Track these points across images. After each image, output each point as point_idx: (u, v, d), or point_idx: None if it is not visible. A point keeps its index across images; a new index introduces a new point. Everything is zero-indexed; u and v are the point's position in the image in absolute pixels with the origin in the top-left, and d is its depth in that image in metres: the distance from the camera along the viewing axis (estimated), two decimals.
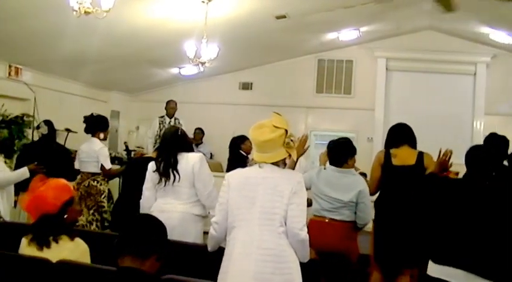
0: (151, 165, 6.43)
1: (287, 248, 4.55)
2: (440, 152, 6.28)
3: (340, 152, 7.13)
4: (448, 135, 14.25)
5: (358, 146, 13.85)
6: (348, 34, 14.49)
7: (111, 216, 8.86)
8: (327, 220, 6.83)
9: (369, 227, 7.23)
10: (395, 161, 7.13)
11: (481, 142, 13.87)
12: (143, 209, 6.37)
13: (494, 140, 7.76)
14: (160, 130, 13.08)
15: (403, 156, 7.14)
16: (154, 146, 12.83)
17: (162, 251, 3.77)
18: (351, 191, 6.86)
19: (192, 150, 6.70)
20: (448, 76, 15.34)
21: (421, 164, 7.02)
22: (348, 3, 11.80)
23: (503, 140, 7.77)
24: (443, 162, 6.22)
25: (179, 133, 6.49)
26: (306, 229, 4.61)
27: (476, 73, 15.28)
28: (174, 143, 6.40)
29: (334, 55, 15.78)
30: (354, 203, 6.86)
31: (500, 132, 8.02)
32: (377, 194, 7.41)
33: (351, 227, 6.95)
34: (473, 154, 5.49)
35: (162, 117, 13.32)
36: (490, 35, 14.17)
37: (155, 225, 3.88)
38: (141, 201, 6.47)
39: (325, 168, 7.23)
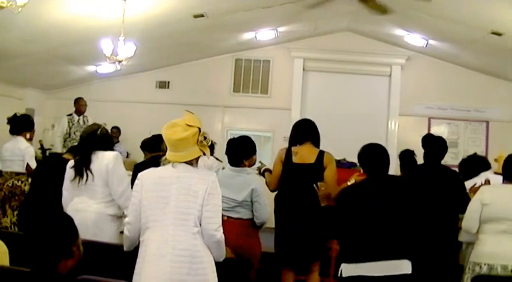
0: (71, 162, 6.37)
1: (202, 248, 4.56)
2: (317, 187, 6.39)
3: (236, 153, 7.17)
4: (364, 135, 14.30)
5: (274, 145, 14.02)
6: (265, 34, 14.55)
7: (19, 216, 8.64)
8: (225, 218, 6.83)
9: None
10: (295, 159, 7.28)
11: (395, 142, 14.18)
12: (65, 209, 6.24)
13: (432, 140, 7.86)
14: (70, 128, 12.91)
15: (304, 155, 7.31)
16: (63, 145, 12.68)
17: (67, 250, 3.72)
18: (244, 190, 6.92)
19: (111, 150, 6.63)
20: (364, 77, 15.55)
21: (321, 163, 7.19)
22: (266, 4, 11.85)
23: (441, 140, 7.88)
24: (325, 195, 6.29)
25: (98, 133, 6.41)
26: (221, 230, 4.65)
27: (391, 74, 15.51)
28: (90, 142, 6.33)
29: (252, 55, 15.81)
30: (248, 202, 6.92)
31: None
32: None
33: (249, 224, 7.02)
34: (367, 153, 5.70)
35: (71, 115, 13.08)
36: (404, 38, 14.45)
37: (58, 224, 3.82)
38: (62, 200, 6.38)
39: (223, 168, 7.28)
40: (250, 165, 7.27)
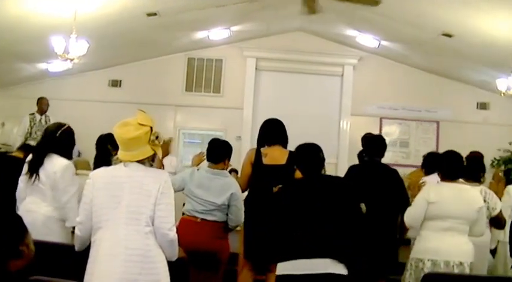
0: (29, 157, 6.30)
1: (154, 248, 4.54)
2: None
3: (219, 149, 7.25)
4: (316, 135, 14.40)
5: None
6: (218, 33, 14.56)
7: None
8: (198, 220, 6.85)
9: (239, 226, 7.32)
10: (266, 160, 7.22)
11: (347, 142, 14.28)
12: (18, 199, 6.24)
13: (370, 139, 7.96)
14: (31, 127, 12.81)
15: (274, 156, 7.26)
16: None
17: (14, 249, 3.68)
18: (224, 193, 6.93)
19: (70, 152, 6.53)
20: (316, 77, 15.70)
21: (292, 163, 7.16)
22: (219, 3, 11.84)
23: (378, 138, 7.97)
24: None
25: (57, 134, 6.31)
26: (174, 229, 4.63)
27: (343, 74, 15.67)
28: (46, 143, 6.26)
29: (204, 54, 15.80)
30: (226, 205, 6.93)
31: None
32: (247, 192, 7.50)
33: (222, 227, 7.04)
34: (302, 152, 5.75)
35: (33, 114, 13.04)
36: (357, 38, 14.60)
37: (2, 224, 3.77)
38: (16, 192, 6.30)
39: (198, 170, 7.25)
40: (227, 167, 7.32)
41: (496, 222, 7.13)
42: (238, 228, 7.38)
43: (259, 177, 7.28)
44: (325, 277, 5.15)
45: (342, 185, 5.76)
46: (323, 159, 5.72)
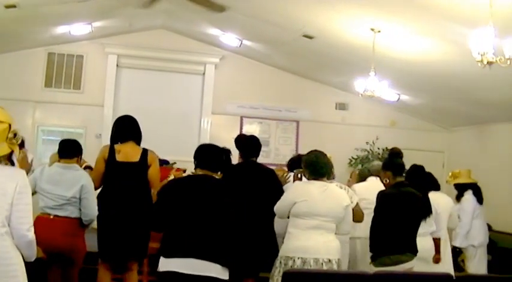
0: None
1: (11, 249, 4.42)
2: None
3: (72, 147, 7.23)
4: (178, 133, 14.68)
5: (87, 142, 13.85)
6: (80, 28, 14.26)
7: None
8: (51, 217, 6.77)
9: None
10: (119, 157, 7.27)
11: (208, 140, 14.33)
12: None
13: (244, 139, 8.05)
14: None
15: (128, 153, 7.32)
16: None
17: None
18: (74, 186, 6.90)
19: None
20: (179, 75, 15.76)
21: (145, 161, 7.23)
22: None
23: (252, 138, 8.08)
24: None
25: None
26: (32, 229, 4.53)
27: (205, 73, 15.74)
28: None
29: (65, 49, 15.45)
30: (77, 199, 6.90)
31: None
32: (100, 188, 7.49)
33: (76, 223, 6.99)
34: (203, 151, 5.79)
35: None
36: (220, 37, 14.69)
37: None
38: None
39: (49, 166, 7.19)
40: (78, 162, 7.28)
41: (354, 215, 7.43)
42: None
43: (112, 174, 7.30)
44: (209, 280, 5.24)
45: (228, 186, 5.92)
46: (224, 161, 5.84)
